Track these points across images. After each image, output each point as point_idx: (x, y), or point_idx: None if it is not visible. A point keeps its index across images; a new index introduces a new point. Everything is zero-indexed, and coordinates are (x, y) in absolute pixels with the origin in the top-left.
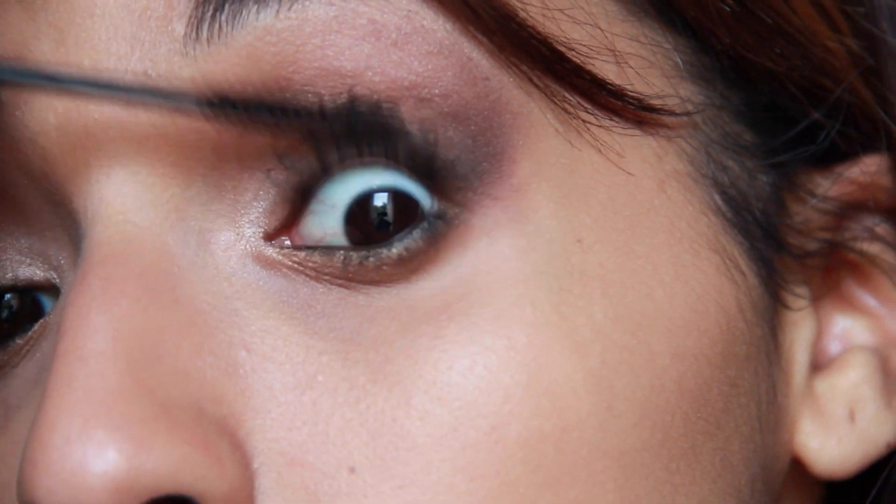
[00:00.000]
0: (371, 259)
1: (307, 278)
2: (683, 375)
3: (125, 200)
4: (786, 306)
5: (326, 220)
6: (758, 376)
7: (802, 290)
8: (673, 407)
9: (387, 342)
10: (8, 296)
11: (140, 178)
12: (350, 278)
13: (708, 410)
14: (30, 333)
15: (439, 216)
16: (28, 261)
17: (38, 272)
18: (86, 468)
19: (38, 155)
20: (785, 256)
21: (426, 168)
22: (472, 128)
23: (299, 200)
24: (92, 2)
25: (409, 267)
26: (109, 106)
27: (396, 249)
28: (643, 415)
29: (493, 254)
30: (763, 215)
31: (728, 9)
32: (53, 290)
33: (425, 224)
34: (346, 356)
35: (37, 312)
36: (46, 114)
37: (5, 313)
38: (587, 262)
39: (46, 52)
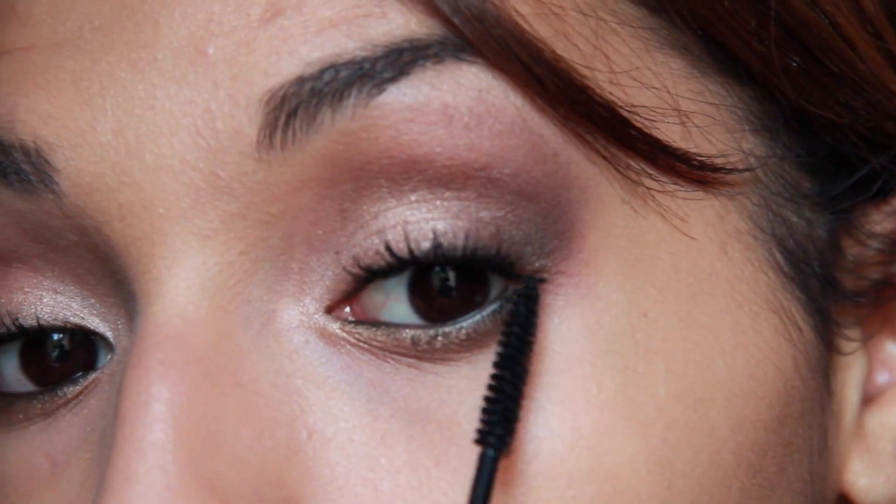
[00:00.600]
0: (440, 339)
1: (372, 357)
2: (741, 445)
3: (188, 290)
4: (839, 352)
5: (390, 287)
6: (811, 429)
7: (854, 332)
8: (730, 479)
9: (453, 425)
10: (60, 336)
11: (207, 267)
12: (418, 357)
13: (763, 475)
14: (79, 387)
15: (510, 298)
16: (87, 313)
17: (97, 322)
18: None
19: (102, 241)
20: (840, 301)
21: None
22: (542, 205)
23: (363, 274)
24: (151, 93)
25: (477, 344)
26: (175, 201)
27: (465, 331)
28: (702, 491)
29: (563, 333)
30: (820, 265)
31: (795, 64)
32: (107, 343)
33: (496, 305)
34: (410, 438)
35: (88, 359)
36: (109, 205)
37: (56, 353)
38: (652, 336)
39: (104, 143)
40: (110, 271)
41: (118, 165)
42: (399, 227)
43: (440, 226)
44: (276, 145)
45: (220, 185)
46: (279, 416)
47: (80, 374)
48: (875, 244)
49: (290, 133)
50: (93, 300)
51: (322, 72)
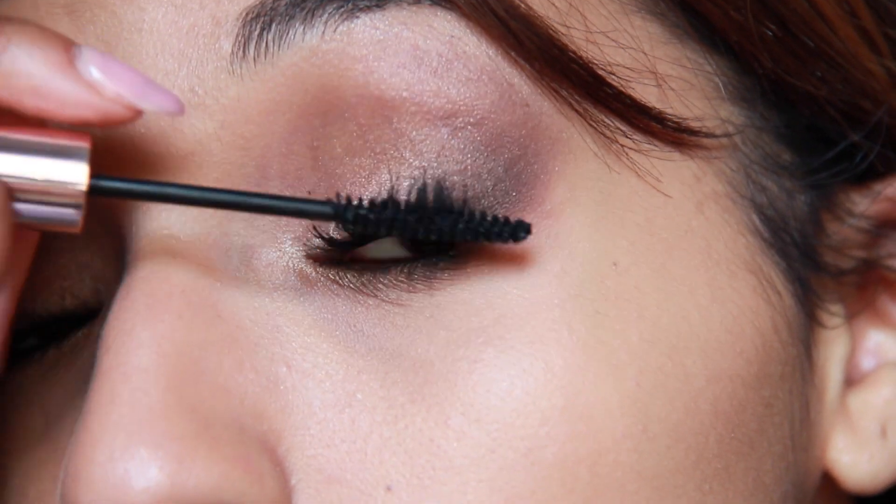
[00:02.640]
0: (402, 279)
1: (347, 295)
2: (718, 397)
3: (170, 216)
4: (821, 325)
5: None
6: (792, 395)
7: (837, 308)
8: (707, 429)
9: (426, 363)
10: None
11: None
12: (382, 298)
13: (742, 431)
14: (72, 340)
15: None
16: (78, 277)
17: (85, 289)
18: (128, 484)
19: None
20: (821, 275)
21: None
22: (506, 155)
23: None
24: (140, 17)
25: (435, 285)
26: (155, 120)
27: (421, 270)
28: (678, 437)
29: (524, 277)
30: (800, 235)
31: (771, 33)
32: (99, 302)
33: (452, 251)
34: (385, 376)
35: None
36: (93, 129)
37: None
38: (623, 284)
39: None
40: (95, 209)
41: None
42: (363, 183)
43: (404, 186)
44: (250, 58)
45: (196, 101)
46: (259, 350)
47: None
48: (856, 223)
49: (262, 46)
50: (83, 253)
51: None
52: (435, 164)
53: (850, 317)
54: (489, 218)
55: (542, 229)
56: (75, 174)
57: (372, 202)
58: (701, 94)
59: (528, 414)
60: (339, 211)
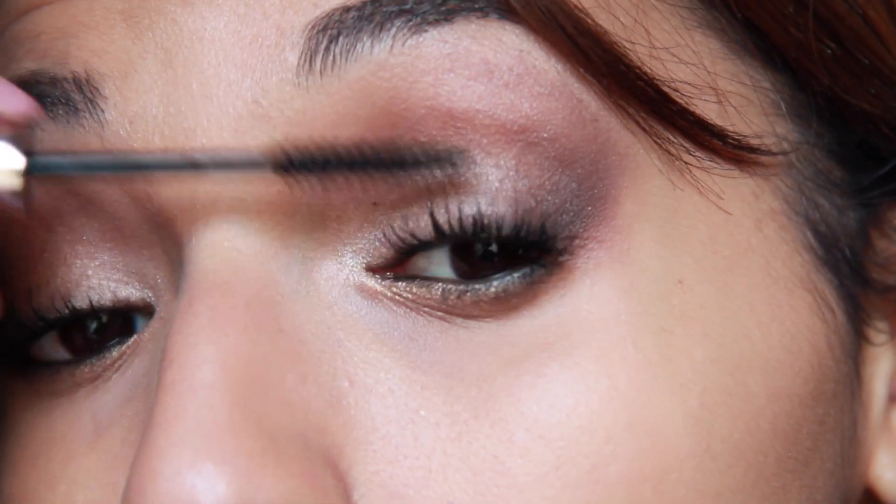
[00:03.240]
0: (468, 294)
1: (408, 309)
2: (777, 416)
3: (231, 227)
4: (868, 341)
5: (433, 253)
6: (842, 413)
7: (883, 325)
8: (767, 448)
9: (489, 378)
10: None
11: (246, 205)
12: (449, 311)
13: (798, 449)
14: (122, 349)
15: (541, 263)
16: (125, 279)
17: (134, 292)
18: (196, 500)
19: (142, 177)
20: (869, 292)
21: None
22: (579, 171)
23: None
24: (201, 25)
25: (507, 305)
26: (217, 131)
27: (494, 289)
28: (739, 456)
29: (595, 294)
30: (851, 252)
31: (829, 51)
32: (147, 309)
33: (527, 269)
34: (448, 391)
35: (127, 327)
36: (152, 135)
37: (94, 325)
38: (688, 302)
39: (154, 73)
40: (148, 215)
41: (165, 95)
42: (434, 205)
43: (483, 205)
44: (316, 71)
45: (260, 112)
46: (322, 364)
47: (118, 338)
48: None
49: (329, 59)
50: (131, 257)
51: (365, 3)
52: (514, 176)
53: (894, 333)
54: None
55: (613, 245)
56: (11, 159)
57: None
58: (759, 110)
59: (592, 431)
60: (277, 160)
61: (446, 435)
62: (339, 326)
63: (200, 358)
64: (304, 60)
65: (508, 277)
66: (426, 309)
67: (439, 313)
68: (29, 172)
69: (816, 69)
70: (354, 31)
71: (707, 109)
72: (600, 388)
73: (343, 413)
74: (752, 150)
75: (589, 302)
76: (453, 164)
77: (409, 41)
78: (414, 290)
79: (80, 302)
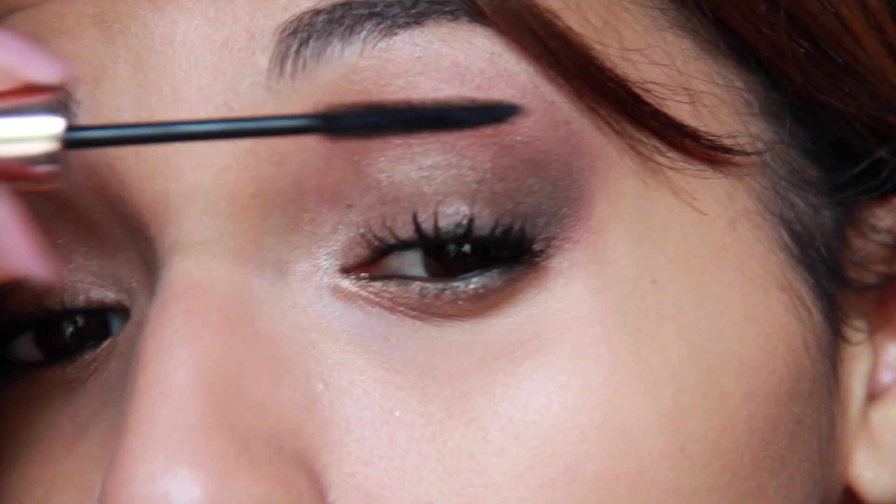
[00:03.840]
0: (447, 292)
1: (382, 310)
2: (753, 415)
3: (204, 231)
4: (846, 340)
5: (406, 254)
6: (819, 412)
7: (861, 324)
8: (742, 447)
9: (462, 377)
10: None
11: (219, 209)
12: (425, 310)
13: (774, 449)
14: (98, 351)
15: (519, 261)
16: (99, 283)
17: (109, 294)
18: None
19: (114, 180)
20: (846, 291)
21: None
22: (553, 173)
23: (377, 244)
24: (171, 29)
25: (484, 304)
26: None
27: (473, 286)
28: (714, 455)
29: (569, 293)
30: (827, 251)
31: (803, 50)
32: (123, 311)
33: (504, 266)
34: (422, 391)
35: (103, 330)
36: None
37: (70, 329)
38: (662, 302)
39: (125, 77)
40: (122, 220)
41: (137, 99)
42: (417, 200)
43: (464, 206)
44: (287, 74)
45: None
46: (295, 367)
47: (92, 342)
48: (879, 239)
49: (300, 62)
50: (104, 261)
51: (335, 6)
52: (490, 178)
53: (872, 332)
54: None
55: (588, 245)
56: (49, 126)
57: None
58: (732, 110)
59: (566, 430)
60: (328, 122)
61: (421, 435)
62: (313, 329)
63: (174, 361)
64: (275, 64)
65: (488, 274)
66: (401, 308)
67: (414, 312)
68: (68, 142)
69: (790, 68)
70: (325, 35)
71: (679, 110)
72: (573, 387)
73: (317, 416)
74: (726, 150)
75: (563, 301)
76: (499, 120)
77: (379, 44)
78: (391, 289)
79: (53, 303)
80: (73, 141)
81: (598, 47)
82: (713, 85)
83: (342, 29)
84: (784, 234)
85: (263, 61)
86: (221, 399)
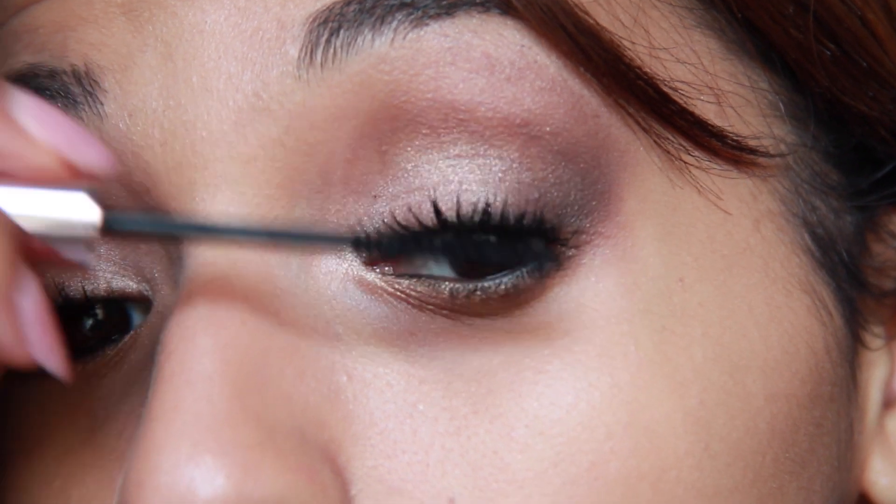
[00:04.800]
0: (478, 293)
1: (409, 306)
2: (775, 416)
3: (230, 221)
4: (865, 346)
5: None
6: (839, 416)
7: (879, 330)
8: (764, 448)
9: (489, 374)
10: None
11: (246, 199)
12: (455, 310)
13: (795, 451)
14: (119, 345)
15: (550, 257)
16: (121, 272)
17: (131, 284)
18: (195, 493)
19: (140, 169)
20: (866, 296)
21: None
22: (582, 166)
23: (403, 232)
24: (201, 19)
25: (515, 301)
26: (217, 123)
27: (504, 286)
28: (737, 455)
29: (600, 291)
30: (848, 255)
31: (829, 53)
32: (144, 301)
33: (535, 263)
34: (447, 386)
35: (123, 323)
36: (152, 128)
37: (90, 322)
38: (688, 301)
39: (153, 66)
40: (148, 208)
41: (165, 88)
42: (441, 188)
43: (488, 193)
44: (317, 64)
45: (261, 105)
46: (320, 358)
47: (117, 336)
48: None
49: (330, 52)
50: (127, 250)
51: None
52: (517, 168)
53: (889, 339)
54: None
55: (617, 241)
56: (87, 213)
57: (389, 233)
58: (757, 111)
59: (593, 428)
60: (359, 242)
61: (445, 429)
62: (337, 321)
63: (199, 350)
64: (305, 53)
65: (518, 273)
66: (430, 307)
67: (445, 312)
68: (106, 228)
69: (815, 71)
70: (356, 24)
71: (706, 110)
72: (601, 385)
73: (341, 408)
74: (750, 150)
75: (593, 299)
76: (541, 266)
77: (410, 34)
78: (419, 288)
79: (74, 291)
80: (110, 229)
81: (627, 45)
82: (739, 86)
83: (373, 19)
84: (806, 236)
85: (293, 51)
86: (246, 389)
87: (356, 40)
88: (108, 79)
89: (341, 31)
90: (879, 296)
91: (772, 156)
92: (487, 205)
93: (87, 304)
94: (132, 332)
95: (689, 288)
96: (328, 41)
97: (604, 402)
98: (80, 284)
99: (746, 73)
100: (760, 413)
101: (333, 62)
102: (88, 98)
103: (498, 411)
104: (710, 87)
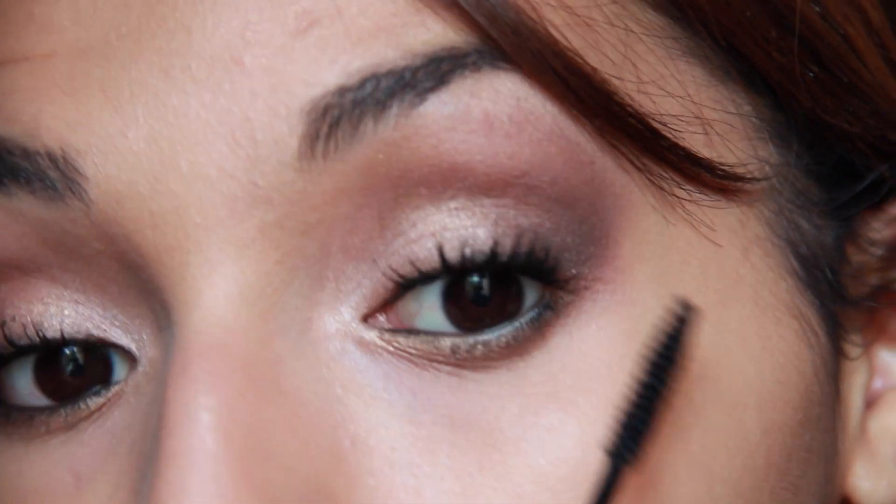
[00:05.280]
0: (480, 347)
1: (411, 365)
2: (770, 449)
3: (227, 298)
4: (845, 356)
5: (424, 295)
6: (825, 433)
7: (857, 338)
8: (762, 483)
9: (495, 431)
10: (74, 349)
11: (242, 278)
12: (457, 365)
13: (789, 479)
14: (102, 400)
15: (548, 305)
16: (105, 325)
17: (115, 335)
18: None
19: (132, 250)
20: (846, 306)
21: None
22: (579, 212)
23: (402, 282)
24: (185, 101)
25: (517, 352)
26: (212, 209)
27: (505, 338)
28: (738, 494)
29: (601, 339)
30: (830, 270)
31: (812, 74)
32: (123, 349)
33: (534, 313)
34: (452, 445)
35: (103, 373)
36: (141, 213)
37: (70, 367)
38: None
39: (136, 150)
40: (137, 280)
41: (151, 173)
42: (438, 235)
43: (481, 233)
44: (318, 155)
45: (259, 194)
46: (322, 425)
47: (98, 386)
48: (875, 251)
49: (332, 143)
50: (115, 311)
51: (363, 82)
52: (514, 214)
53: (867, 344)
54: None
55: (616, 286)
56: None
57: None
58: (743, 135)
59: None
60: None
61: (451, 489)
62: (337, 383)
63: (201, 427)
64: (306, 146)
65: (518, 323)
66: (433, 364)
67: (447, 368)
68: None
69: (798, 92)
70: (356, 114)
71: (694, 141)
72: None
73: (345, 474)
74: (738, 178)
75: (595, 347)
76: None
77: (412, 112)
78: (419, 346)
79: (52, 332)
80: None
81: (617, 82)
82: (724, 112)
83: (373, 106)
84: (791, 258)
85: (291, 142)
86: (251, 465)
87: (357, 129)
88: (89, 163)
89: (342, 122)
90: (856, 302)
91: (758, 180)
92: (486, 248)
93: (64, 343)
94: (116, 388)
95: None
96: (329, 133)
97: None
98: (58, 327)
99: (731, 97)
100: (758, 448)
101: (336, 152)
102: (70, 184)
103: (505, 469)
104: (697, 118)
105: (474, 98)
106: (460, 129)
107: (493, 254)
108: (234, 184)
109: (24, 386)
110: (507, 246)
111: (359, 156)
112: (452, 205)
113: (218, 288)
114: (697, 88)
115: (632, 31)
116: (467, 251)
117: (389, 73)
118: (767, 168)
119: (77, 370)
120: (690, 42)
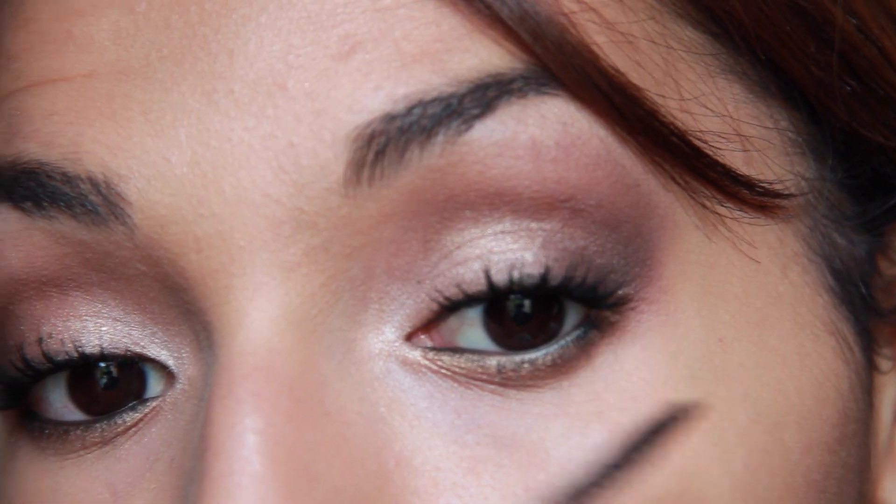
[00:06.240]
0: (526, 366)
1: (455, 384)
2: (810, 468)
3: (271, 321)
4: (878, 370)
5: (465, 312)
6: (861, 449)
7: (888, 352)
8: (801, 501)
9: (541, 451)
10: (107, 363)
11: (287, 301)
12: (503, 384)
13: (826, 497)
14: (138, 416)
15: (593, 324)
16: (148, 342)
17: (153, 351)
18: None
19: (176, 273)
20: (878, 320)
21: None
22: (624, 234)
23: (447, 304)
24: (228, 126)
25: (563, 370)
26: (257, 233)
27: (551, 356)
28: None
29: (646, 358)
30: (864, 284)
31: (849, 88)
32: (161, 365)
33: (580, 332)
34: (497, 465)
35: (138, 388)
36: (185, 237)
37: (104, 380)
38: (728, 361)
39: (179, 175)
40: (179, 301)
41: (195, 198)
42: (484, 258)
43: (528, 256)
44: (364, 182)
45: (304, 219)
46: (367, 446)
47: (134, 401)
48: None
49: (378, 170)
50: (154, 328)
51: (410, 109)
52: (560, 237)
53: None
54: None
55: (660, 306)
56: None
57: None
58: (780, 151)
59: (646, 500)
60: None
61: None
62: (381, 403)
63: (248, 449)
64: (352, 173)
65: (563, 342)
66: (477, 383)
67: (491, 386)
68: None
69: (836, 106)
70: (402, 141)
71: (734, 158)
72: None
73: (390, 495)
74: (776, 194)
75: (639, 367)
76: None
77: (459, 139)
78: (464, 364)
79: (90, 348)
80: None
81: (659, 100)
82: (761, 128)
83: (420, 133)
84: (827, 273)
85: (337, 168)
86: (297, 487)
87: (404, 156)
88: (132, 188)
89: (388, 149)
90: (886, 315)
91: (795, 196)
92: (534, 272)
93: (102, 358)
94: (153, 404)
95: (728, 348)
96: (375, 160)
97: (654, 474)
98: (97, 342)
99: (769, 113)
100: (797, 467)
101: (381, 179)
102: (113, 209)
103: (550, 490)
104: (737, 134)
105: (521, 124)
106: (507, 155)
107: (544, 279)
108: (279, 208)
109: (58, 399)
110: (557, 270)
111: (405, 182)
112: (498, 228)
113: (263, 311)
114: (736, 105)
115: (672, 49)
116: (515, 274)
117: (436, 100)
118: (803, 183)
119: (111, 384)
120: (729, 58)
